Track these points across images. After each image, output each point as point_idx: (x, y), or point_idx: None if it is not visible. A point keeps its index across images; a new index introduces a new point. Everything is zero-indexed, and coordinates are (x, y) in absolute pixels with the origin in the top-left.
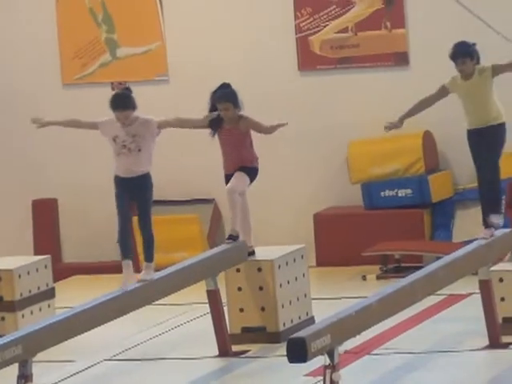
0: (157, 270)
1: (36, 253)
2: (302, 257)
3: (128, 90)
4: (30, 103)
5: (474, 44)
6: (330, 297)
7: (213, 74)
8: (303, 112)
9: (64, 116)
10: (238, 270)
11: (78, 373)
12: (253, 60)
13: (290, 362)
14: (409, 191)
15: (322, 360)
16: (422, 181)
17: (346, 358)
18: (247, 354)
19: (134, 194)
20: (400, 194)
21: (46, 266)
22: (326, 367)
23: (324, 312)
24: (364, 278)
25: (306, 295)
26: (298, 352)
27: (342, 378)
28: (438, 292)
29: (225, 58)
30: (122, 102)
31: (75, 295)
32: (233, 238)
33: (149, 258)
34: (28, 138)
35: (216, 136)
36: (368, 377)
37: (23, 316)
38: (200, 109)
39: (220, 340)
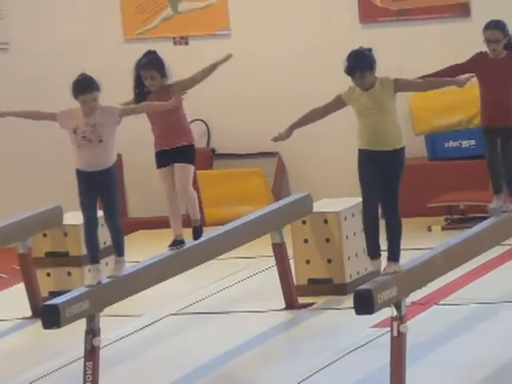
0: (222, 223)
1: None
2: None
3: (86, 74)
4: (91, 59)
5: (370, 50)
6: None
7: (274, 27)
8: None
9: (21, 109)
10: (303, 222)
11: (144, 327)
12: (314, 13)
13: (357, 313)
14: (472, 142)
15: (388, 312)
16: None
17: (413, 310)
18: (314, 306)
19: (99, 189)
20: (464, 145)
21: None
22: (393, 319)
23: None
24: (429, 229)
25: None
26: (364, 304)
27: (409, 330)
28: (504, 242)
29: (286, 12)
30: (87, 84)
31: (140, 250)
32: (178, 243)
33: (119, 251)
34: None
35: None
36: (435, 328)
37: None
38: (261, 63)
39: (286, 293)
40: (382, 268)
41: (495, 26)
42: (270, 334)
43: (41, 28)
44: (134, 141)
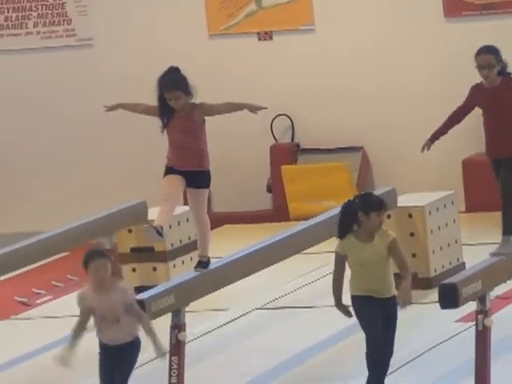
0: (306, 218)
1: (186, 203)
2: (452, 203)
3: (99, 245)
4: (177, 54)
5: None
6: (481, 242)
7: (358, 22)
8: (450, 57)
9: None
10: (388, 217)
11: (230, 322)
12: (398, 7)
13: (442, 307)
14: None
15: (473, 306)
16: None
17: (497, 304)
18: (398, 301)
19: (117, 360)
20: None
21: None
22: (477, 313)
23: (475, 258)
24: None
25: (456, 241)
26: (449, 298)
27: (494, 324)
28: None
29: (370, 6)
30: (96, 252)
31: (225, 244)
32: (204, 264)
33: None
34: None
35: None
36: None
37: (175, 266)
38: (345, 57)
39: None
40: None
41: (487, 51)
42: (353, 329)
43: (124, 24)
44: (217, 134)
